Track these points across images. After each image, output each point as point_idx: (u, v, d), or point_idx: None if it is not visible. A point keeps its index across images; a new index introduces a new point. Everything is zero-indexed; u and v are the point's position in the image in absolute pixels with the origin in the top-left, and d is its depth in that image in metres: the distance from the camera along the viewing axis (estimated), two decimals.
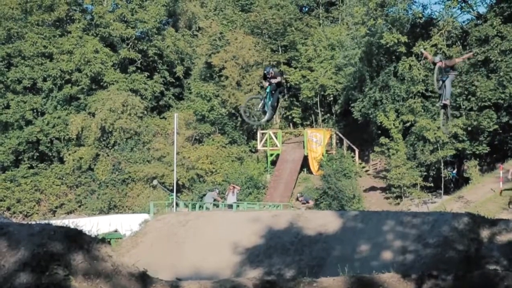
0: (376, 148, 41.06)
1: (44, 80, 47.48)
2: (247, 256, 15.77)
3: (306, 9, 53.65)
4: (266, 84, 17.80)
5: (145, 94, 48.94)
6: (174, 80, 51.69)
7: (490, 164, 39.24)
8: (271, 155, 45.11)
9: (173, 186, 35.97)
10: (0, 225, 8.28)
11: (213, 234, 16.36)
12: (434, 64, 17.47)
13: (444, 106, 18.02)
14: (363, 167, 43.97)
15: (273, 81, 17.54)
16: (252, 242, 16.11)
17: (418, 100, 39.39)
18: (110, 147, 46.19)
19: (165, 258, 16.23)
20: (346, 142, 44.57)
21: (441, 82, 17.38)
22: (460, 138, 37.81)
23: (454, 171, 39.38)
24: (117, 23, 48.44)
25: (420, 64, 39.34)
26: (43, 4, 48.60)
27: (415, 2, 44.51)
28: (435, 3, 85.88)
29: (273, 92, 17.59)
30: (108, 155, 45.91)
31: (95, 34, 49.30)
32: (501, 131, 38.34)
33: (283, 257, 15.27)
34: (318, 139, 43.65)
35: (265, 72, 17.93)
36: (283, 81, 18.02)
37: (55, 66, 47.31)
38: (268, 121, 18.86)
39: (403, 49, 39.59)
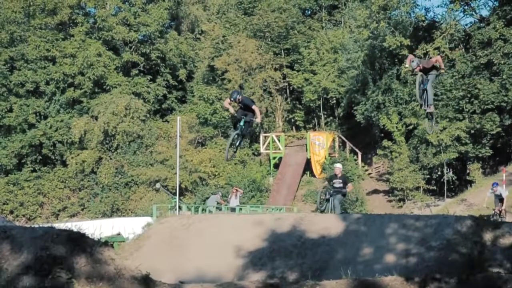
0: (379, 151, 41.06)
1: (47, 83, 47.55)
2: (250, 259, 15.75)
3: (309, 12, 53.67)
4: (231, 109, 15.71)
5: (147, 97, 49.02)
6: (176, 83, 51.81)
7: (493, 167, 39.20)
8: (274, 158, 45.13)
9: (176, 189, 35.99)
10: (3, 229, 8.29)
11: (216, 237, 16.34)
12: (413, 71, 16.30)
13: (429, 114, 17.16)
14: (366, 170, 43.94)
15: (257, 120, 15.77)
16: (255, 245, 16.10)
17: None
18: (113, 151, 46.23)
19: (168, 261, 16.21)
20: (349, 145, 44.55)
21: (422, 90, 16.42)
22: (463, 141, 37.79)
23: (450, 173, 39.22)
24: (119, 26, 48.53)
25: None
26: (46, 8, 48.73)
27: (417, 5, 44.46)
28: (438, 6, 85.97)
29: (244, 124, 15.81)
30: (111, 159, 45.94)
31: (98, 38, 49.40)
32: (504, 134, 38.31)
33: (286, 260, 15.26)
34: (320, 142, 43.65)
35: (232, 98, 15.72)
36: (259, 119, 16.01)
37: (58, 69, 47.40)
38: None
39: (405, 52, 39.52)
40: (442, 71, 16.51)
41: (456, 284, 8.03)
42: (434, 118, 17.63)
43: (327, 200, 18.36)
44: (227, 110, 16.50)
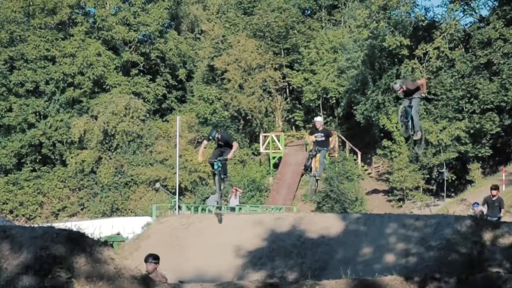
0: (379, 151, 41.05)
1: (47, 83, 47.54)
2: (249, 259, 15.77)
3: (309, 12, 53.67)
4: (200, 158, 16.17)
5: (147, 97, 49.00)
6: (176, 83, 51.78)
7: (492, 166, 39.20)
8: (274, 158, 45.13)
9: (175, 189, 35.97)
10: (2, 228, 8.29)
11: (216, 237, 16.37)
12: (396, 92, 15.19)
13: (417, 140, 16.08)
14: (366, 170, 43.94)
15: (228, 157, 15.69)
16: (255, 245, 16.12)
17: (421, 103, 39.34)
18: (112, 150, 46.21)
19: (168, 261, 16.22)
20: (348, 145, 44.54)
21: (405, 123, 15.41)
22: (463, 141, 37.80)
23: (446, 172, 39.14)
24: (119, 26, 48.52)
25: (423, 66, 39.35)
26: (45, 7, 48.70)
27: (417, 5, 44.46)
28: (438, 6, 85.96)
29: (219, 166, 15.72)
30: (110, 158, 45.93)
31: (97, 37, 49.38)
32: (503, 134, 38.31)
33: (286, 259, 15.28)
34: None
35: (211, 137, 15.91)
36: (230, 155, 15.89)
37: (57, 69, 47.38)
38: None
39: (405, 52, 39.60)
40: (423, 95, 15.52)
41: (456, 284, 8.03)
42: (423, 141, 16.45)
43: (311, 158, 17.45)
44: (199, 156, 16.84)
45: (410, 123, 15.36)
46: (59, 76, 47.21)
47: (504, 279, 8.07)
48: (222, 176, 15.91)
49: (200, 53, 50.57)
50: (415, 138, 15.52)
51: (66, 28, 50.89)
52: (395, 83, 15.20)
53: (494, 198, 18.44)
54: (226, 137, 16.17)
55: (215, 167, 15.75)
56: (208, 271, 15.15)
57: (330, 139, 17.66)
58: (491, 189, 18.86)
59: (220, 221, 16.26)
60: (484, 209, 18.73)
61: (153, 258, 11.91)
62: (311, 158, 17.18)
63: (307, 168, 17.35)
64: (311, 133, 17.83)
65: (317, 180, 17.67)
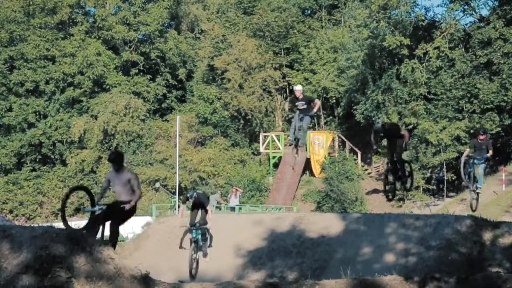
0: (379, 151, 40.98)
1: (47, 83, 47.52)
2: (249, 259, 15.78)
3: (309, 11, 53.60)
4: (178, 221, 16.07)
5: (147, 97, 48.98)
6: (176, 83, 51.74)
7: (492, 166, 39.12)
8: (274, 157, 45.08)
9: (175, 189, 35.97)
10: (2, 228, 8.30)
11: (216, 237, 16.36)
12: (375, 132, 14.87)
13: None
14: (366, 170, 43.93)
15: (208, 226, 15.38)
16: (255, 245, 16.13)
17: (421, 102, 39.38)
18: (112, 150, 46.19)
19: (168, 260, 16.24)
20: (348, 144, 44.53)
21: (392, 188, 15.26)
22: (463, 141, 37.74)
23: (441, 174, 39.07)
24: (119, 26, 48.50)
25: (423, 66, 39.34)
26: (45, 7, 48.69)
27: (417, 4, 44.43)
28: (438, 6, 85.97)
29: (198, 234, 15.37)
30: None
31: (97, 37, 49.36)
32: (503, 134, 38.27)
33: (286, 259, 15.28)
34: (320, 142, 43.60)
35: (188, 195, 15.97)
36: (210, 224, 15.63)
37: (57, 69, 47.36)
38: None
39: (405, 51, 39.57)
40: (403, 145, 15.09)
41: (456, 284, 8.04)
42: (413, 184, 15.95)
43: (298, 129, 16.96)
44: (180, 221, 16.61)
45: (393, 187, 15.20)
46: (59, 75, 47.19)
47: (504, 278, 8.07)
48: (201, 244, 15.40)
49: (200, 52, 50.52)
50: (409, 189, 15.50)
51: (66, 27, 50.87)
52: (378, 123, 15.13)
53: (481, 142, 18.46)
54: (203, 199, 15.99)
55: (194, 235, 15.29)
56: (208, 270, 15.14)
57: (313, 104, 17.29)
58: (479, 134, 18.87)
59: (192, 278, 15.52)
60: (471, 153, 18.74)
61: (116, 156, 11.32)
62: (298, 130, 16.95)
63: (295, 141, 17.04)
64: (291, 102, 17.57)
65: (300, 149, 17.35)
